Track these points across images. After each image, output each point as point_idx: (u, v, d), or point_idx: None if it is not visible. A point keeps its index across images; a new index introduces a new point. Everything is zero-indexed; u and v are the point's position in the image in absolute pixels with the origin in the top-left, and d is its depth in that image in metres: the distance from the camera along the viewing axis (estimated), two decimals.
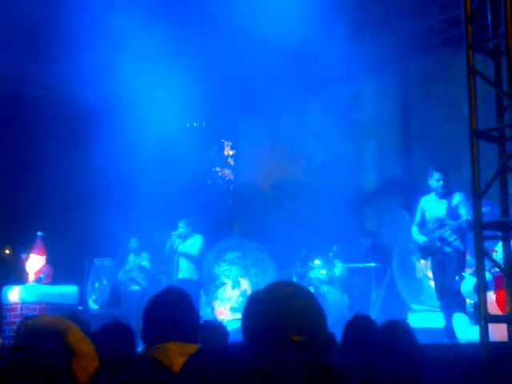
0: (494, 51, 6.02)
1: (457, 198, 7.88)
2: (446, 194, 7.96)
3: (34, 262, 11.01)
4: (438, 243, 7.91)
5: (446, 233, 7.87)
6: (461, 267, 7.87)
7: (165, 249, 10.57)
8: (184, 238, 10.38)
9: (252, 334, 1.97)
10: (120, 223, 13.89)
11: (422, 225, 8.19)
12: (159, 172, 15.57)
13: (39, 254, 11.11)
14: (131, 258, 11.95)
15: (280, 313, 1.93)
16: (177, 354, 2.61)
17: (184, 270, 10.26)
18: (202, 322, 4.27)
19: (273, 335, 1.90)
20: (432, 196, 8.13)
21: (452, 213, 7.84)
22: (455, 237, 7.85)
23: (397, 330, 3.69)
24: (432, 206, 8.11)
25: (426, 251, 8.09)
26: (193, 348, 2.70)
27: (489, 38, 6.01)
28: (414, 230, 8.27)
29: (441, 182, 7.95)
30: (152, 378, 2.51)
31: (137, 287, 11.63)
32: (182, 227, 10.45)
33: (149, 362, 2.61)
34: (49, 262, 11.33)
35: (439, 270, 8.03)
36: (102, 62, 11.11)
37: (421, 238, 8.11)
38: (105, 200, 15.01)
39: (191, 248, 10.28)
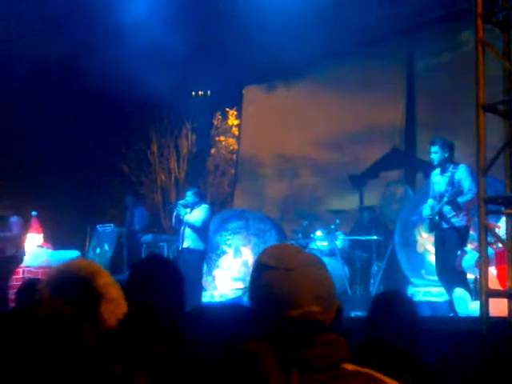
0: (503, 23, 5.93)
1: (460, 172, 7.69)
2: (446, 168, 7.83)
3: (32, 241, 11.06)
4: (437, 218, 7.83)
5: (446, 208, 7.77)
6: (458, 244, 7.73)
7: (172, 218, 10.52)
8: (191, 207, 10.28)
9: (261, 303, 1.84)
10: (124, 190, 13.94)
11: (434, 198, 8.08)
12: (164, 143, 15.55)
13: (37, 233, 11.17)
14: None
15: (294, 283, 1.80)
16: None
17: (189, 240, 10.18)
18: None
19: (286, 306, 1.78)
20: (438, 170, 8.03)
21: (454, 188, 7.72)
22: (453, 213, 7.72)
23: (396, 301, 3.66)
24: (437, 181, 7.99)
25: (431, 225, 8.02)
26: None
27: (499, 10, 5.92)
28: (429, 202, 8.13)
29: (432, 156, 7.83)
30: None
31: None
32: (189, 196, 10.36)
33: None
34: (46, 239, 11.39)
35: (439, 245, 7.97)
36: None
37: (425, 212, 8.05)
38: (109, 167, 15.06)
39: (197, 218, 10.20)
